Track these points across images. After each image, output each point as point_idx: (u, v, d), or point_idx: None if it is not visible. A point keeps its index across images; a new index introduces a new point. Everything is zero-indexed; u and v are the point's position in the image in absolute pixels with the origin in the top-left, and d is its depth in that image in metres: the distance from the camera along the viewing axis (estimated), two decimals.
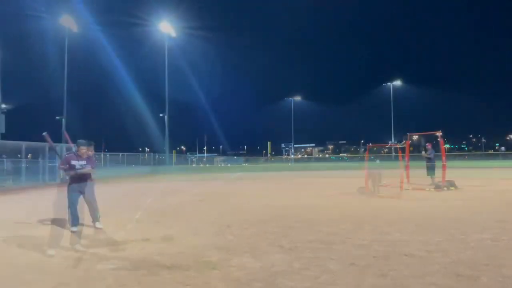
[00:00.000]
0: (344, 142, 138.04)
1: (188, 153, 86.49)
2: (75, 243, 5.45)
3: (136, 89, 63.30)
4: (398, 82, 72.38)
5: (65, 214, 6.59)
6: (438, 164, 12.86)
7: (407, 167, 13.24)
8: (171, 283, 3.70)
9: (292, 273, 3.91)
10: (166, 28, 38.15)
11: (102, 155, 28.98)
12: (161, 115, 39.96)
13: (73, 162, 6.22)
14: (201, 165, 54.53)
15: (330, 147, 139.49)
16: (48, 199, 11.66)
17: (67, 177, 6.40)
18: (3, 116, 20.09)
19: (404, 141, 14.56)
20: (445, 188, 11.65)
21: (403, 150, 14.97)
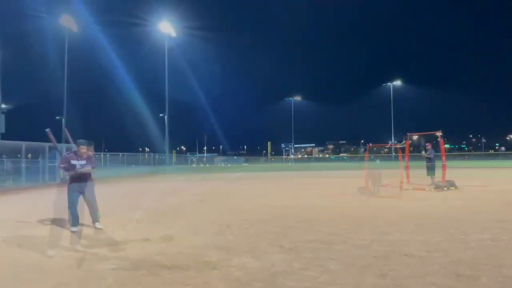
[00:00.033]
0: (344, 142, 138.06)
1: (188, 153, 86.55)
2: (75, 243, 5.46)
3: (136, 89, 63.33)
4: (398, 82, 72.42)
5: (65, 214, 6.59)
6: (438, 164, 12.85)
7: (407, 167, 13.24)
8: (171, 283, 3.70)
9: (292, 273, 3.91)
10: (166, 28, 38.17)
11: (102, 155, 28.98)
12: (161, 115, 40.00)
13: (73, 162, 6.22)
14: (201, 165, 54.58)
15: (330, 147, 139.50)
16: (48, 199, 11.67)
17: (67, 177, 6.41)
18: (3, 116, 20.09)
19: (404, 141, 14.56)
20: (445, 188, 11.65)
21: (403, 150, 14.97)
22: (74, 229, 6.18)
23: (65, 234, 6.09)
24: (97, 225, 6.41)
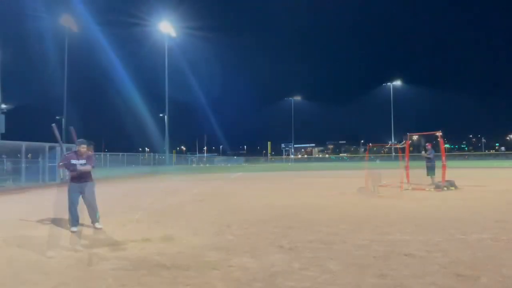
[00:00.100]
0: (344, 142, 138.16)
1: (188, 153, 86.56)
2: (75, 243, 5.46)
3: (136, 89, 63.36)
4: (398, 82, 72.46)
5: (65, 214, 6.60)
6: (438, 164, 12.85)
7: (407, 167, 13.24)
8: (171, 283, 3.70)
9: (292, 273, 3.91)
10: (166, 28, 38.18)
11: (102, 155, 28.99)
12: (161, 115, 40.05)
13: (73, 161, 6.26)
14: (201, 165, 54.56)
15: (330, 147, 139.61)
16: (48, 199, 11.67)
17: (67, 177, 6.42)
18: (3, 116, 20.09)
19: (404, 141, 14.53)
20: (445, 188, 11.65)
21: (403, 150, 14.96)
22: (74, 229, 6.20)
23: (65, 234, 6.09)
24: (97, 225, 6.41)
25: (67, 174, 6.57)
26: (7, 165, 17.36)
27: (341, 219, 7.03)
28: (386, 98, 70.77)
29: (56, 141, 6.95)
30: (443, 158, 12.13)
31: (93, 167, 6.47)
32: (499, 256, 4.38)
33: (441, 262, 4.17)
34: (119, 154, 31.88)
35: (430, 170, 13.17)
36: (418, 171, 13.79)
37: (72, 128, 7.14)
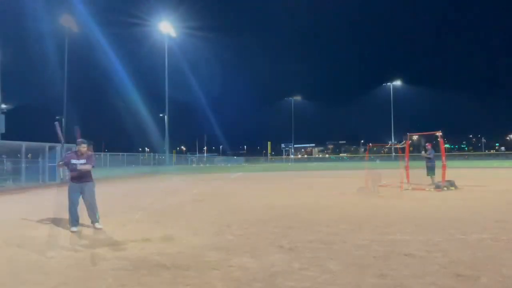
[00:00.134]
0: (344, 142, 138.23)
1: (188, 153, 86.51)
2: (75, 243, 5.46)
3: (136, 89, 63.39)
4: (398, 82, 72.47)
5: (65, 214, 6.60)
6: (438, 164, 12.85)
7: (407, 167, 13.24)
8: (171, 283, 3.70)
9: (291, 273, 3.91)
10: (166, 28, 38.17)
11: (102, 155, 28.99)
12: (161, 115, 40.05)
13: (74, 161, 6.29)
14: (201, 165, 54.57)
15: (330, 147, 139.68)
16: (48, 199, 11.66)
17: (67, 177, 6.43)
18: (3, 116, 20.10)
19: (404, 141, 14.53)
20: (445, 188, 11.65)
21: (403, 150, 14.96)
22: (74, 229, 6.20)
23: (65, 234, 6.09)
24: (97, 225, 6.42)
25: (67, 174, 6.58)
26: (7, 165, 17.35)
27: (341, 219, 7.03)
28: (386, 98, 70.83)
29: (57, 139, 6.97)
30: (443, 158, 12.13)
31: (93, 166, 6.49)
32: (499, 256, 4.38)
33: (441, 262, 4.17)
34: (119, 154, 31.89)
35: (430, 170, 13.17)
36: (418, 171, 13.79)
37: (77, 128, 7.16)
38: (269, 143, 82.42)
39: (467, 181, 14.49)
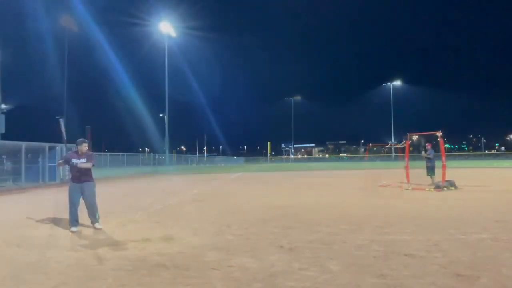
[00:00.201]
0: (344, 142, 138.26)
1: (188, 153, 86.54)
2: (75, 243, 5.46)
3: (136, 89, 63.30)
4: (398, 82, 72.51)
5: (65, 214, 6.60)
6: (438, 164, 12.86)
7: (407, 167, 13.24)
8: (171, 283, 3.70)
9: (292, 273, 3.91)
10: (166, 28, 38.17)
11: (102, 155, 28.98)
12: (161, 115, 40.04)
13: (74, 160, 6.33)
14: (201, 165, 54.57)
15: (330, 147, 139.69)
16: (48, 199, 11.67)
17: (67, 177, 6.46)
18: (3, 116, 20.10)
19: (404, 141, 14.53)
20: (445, 188, 11.65)
21: (403, 150, 14.96)
22: (74, 229, 6.21)
23: (65, 234, 6.09)
24: (97, 225, 6.42)
25: (67, 174, 6.60)
26: (7, 165, 17.35)
27: (341, 219, 7.03)
28: (386, 98, 70.91)
29: (60, 135, 7.01)
30: (443, 158, 12.13)
31: (93, 165, 6.52)
32: (499, 256, 4.38)
33: (441, 262, 4.17)
34: (119, 154, 31.87)
35: (430, 170, 13.17)
36: (418, 171, 13.80)
37: (88, 128, 7.20)
38: (269, 143, 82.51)
39: (467, 181, 14.49)
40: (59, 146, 18.29)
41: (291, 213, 7.83)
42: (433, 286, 3.46)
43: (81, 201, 6.44)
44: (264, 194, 12.06)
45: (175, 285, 3.65)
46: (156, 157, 42.13)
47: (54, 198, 9.09)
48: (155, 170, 32.44)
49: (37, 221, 7.26)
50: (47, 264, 4.41)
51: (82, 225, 6.49)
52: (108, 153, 31.19)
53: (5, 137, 19.94)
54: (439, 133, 12.63)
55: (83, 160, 6.36)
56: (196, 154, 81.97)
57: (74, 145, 6.72)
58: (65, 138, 6.98)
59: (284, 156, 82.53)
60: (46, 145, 18.04)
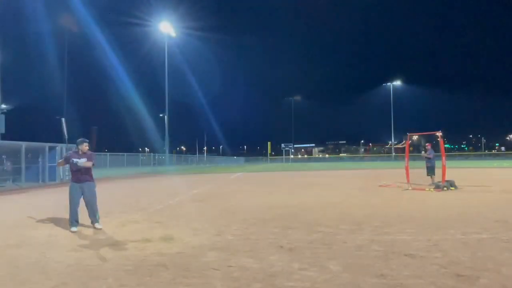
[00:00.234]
0: (344, 142, 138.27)
1: (188, 153, 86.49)
2: (75, 243, 5.46)
3: (136, 89, 63.30)
4: (398, 82, 72.51)
5: (65, 214, 6.60)
6: (438, 164, 12.86)
7: (407, 167, 13.24)
8: (171, 283, 3.70)
9: (292, 273, 3.91)
10: (166, 28, 38.16)
11: (102, 155, 28.96)
12: (161, 115, 40.02)
13: (74, 159, 6.35)
14: (201, 165, 54.55)
15: (330, 147, 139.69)
16: (48, 199, 11.67)
17: (67, 177, 6.48)
18: (3, 116, 20.08)
19: (404, 141, 14.55)
20: (445, 188, 11.65)
21: (403, 150, 14.97)
22: (74, 229, 6.21)
23: (65, 234, 6.09)
24: (97, 225, 6.43)
25: (67, 174, 6.63)
26: (7, 165, 17.35)
27: (341, 219, 7.03)
28: (386, 98, 70.88)
29: (62, 134, 7.04)
30: (443, 158, 12.14)
31: (93, 164, 6.53)
32: (499, 256, 4.38)
33: (441, 262, 4.17)
34: (119, 154, 31.86)
35: (430, 170, 13.18)
36: (418, 171, 13.80)
37: (94, 128, 7.24)
38: (269, 143, 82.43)
39: (467, 181, 14.50)
40: (59, 146, 18.29)
41: (291, 213, 7.83)
42: (433, 286, 3.46)
43: (81, 201, 6.44)
44: (264, 194, 12.05)
45: (175, 285, 3.65)
46: (156, 157, 42.11)
47: (54, 198, 9.10)
48: (155, 170, 32.45)
49: (37, 221, 7.26)
50: (47, 264, 4.41)
51: (82, 225, 6.49)
52: (108, 153, 31.14)
53: (5, 137, 19.94)
54: (439, 133, 12.64)
55: (84, 159, 6.37)
56: (196, 154, 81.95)
57: (75, 145, 6.74)
58: (67, 137, 7.01)
59: (284, 156, 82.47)
60: (46, 145, 18.04)
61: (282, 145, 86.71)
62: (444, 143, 13.28)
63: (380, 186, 13.81)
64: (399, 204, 8.92)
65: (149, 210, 8.73)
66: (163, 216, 7.76)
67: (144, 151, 70.55)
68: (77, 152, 6.46)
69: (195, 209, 8.88)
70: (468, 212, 7.58)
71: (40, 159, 17.96)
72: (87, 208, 6.45)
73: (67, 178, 17.74)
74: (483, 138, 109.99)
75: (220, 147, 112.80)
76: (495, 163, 40.43)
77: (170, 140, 41.84)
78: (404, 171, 13.16)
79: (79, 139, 6.51)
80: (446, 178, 11.95)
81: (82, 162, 6.31)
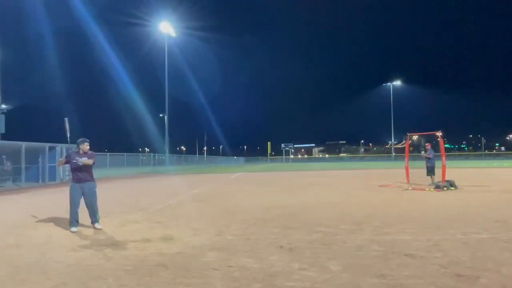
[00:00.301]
0: (344, 142, 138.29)
1: (188, 153, 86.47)
2: (75, 243, 5.46)
3: (136, 89, 63.33)
4: (398, 82, 72.52)
5: (65, 214, 6.60)
6: (438, 164, 12.86)
7: (407, 167, 13.24)
8: (171, 283, 3.70)
9: (292, 273, 3.91)
10: (166, 28, 38.17)
11: (102, 155, 28.95)
12: (161, 115, 40.02)
13: (75, 159, 6.36)
14: (201, 165, 54.54)
15: (330, 147, 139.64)
16: (48, 199, 11.68)
17: (68, 177, 6.49)
18: (3, 116, 20.10)
19: (404, 141, 14.55)
20: (445, 188, 11.65)
21: (403, 150, 14.97)
22: (74, 229, 6.21)
23: (65, 234, 6.09)
24: (97, 225, 6.43)
25: (67, 174, 6.64)
26: (7, 165, 17.36)
27: (341, 219, 7.03)
28: (386, 98, 70.90)
29: (64, 134, 7.08)
30: (443, 158, 12.14)
31: (94, 162, 6.54)
32: (499, 256, 4.38)
33: (441, 262, 4.17)
34: (119, 154, 31.85)
35: (430, 170, 13.18)
36: (418, 171, 13.80)
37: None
38: (269, 143, 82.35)
39: (467, 181, 14.50)
40: (59, 146, 18.29)
41: (291, 213, 7.83)
42: (433, 286, 3.46)
43: (82, 201, 6.44)
44: (264, 194, 12.05)
45: (175, 285, 3.65)
46: (156, 157, 42.10)
47: (54, 198, 9.10)
48: (155, 170, 32.45)
49: (37, 221, 7.26)
50: (47, 264, 4.41)
51: (82, 225, 6.49)
52: (108, 153, 31.12)
53: (5, 137, 19.95)
54: (439, 133, 12.63)
55: (84, 158, 6.39)
56: (196, 154, 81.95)
57: (75, 145, 6.74)
58: (69, 135, 7.04)
59: (284, 156, 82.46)
60: (46, 145, 18.03)
61: (282, 145, 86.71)
62: (444, 143, 13.28)
63: (380, 186, 13.81)
64: (399, 204, 8.92)
65: (149, 210, 8.73)
66: (163, 216, 7.76)
67: (144, 151, 70.56)
68: (78, 152, 6.48)
69: (195, 209, 8.88)
70: (468, 212, 7.58)
71: (40, 159, 17.96)
72: (87, 208, 6.45)
73: (67, 178, 17.74)
74: (483, 138, 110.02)
75: (220, 147, 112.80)
76: (495, 163, 40.43)
77: (170, 140, 41.88)
78: (404, 171, 13.17)
79: (80, 139, 6.51)
80: (446, 178, 11.95)
81: (83, 160, 6.32)
